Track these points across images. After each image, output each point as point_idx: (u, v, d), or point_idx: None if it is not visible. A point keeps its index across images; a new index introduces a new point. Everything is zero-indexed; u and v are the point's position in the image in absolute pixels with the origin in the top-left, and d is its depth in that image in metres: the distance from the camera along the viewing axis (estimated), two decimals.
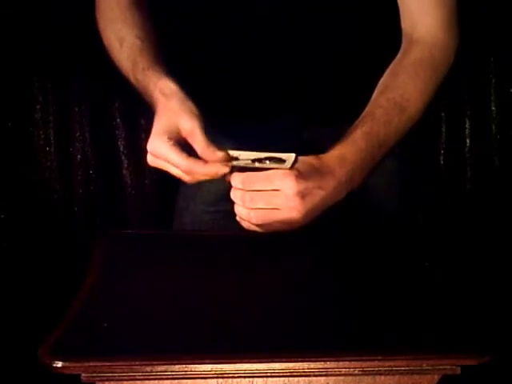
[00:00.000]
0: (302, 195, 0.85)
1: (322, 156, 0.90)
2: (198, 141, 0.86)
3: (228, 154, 0.87)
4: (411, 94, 0.98)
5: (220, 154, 0.86)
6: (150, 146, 0.87)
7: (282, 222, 0.87)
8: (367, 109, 0.97)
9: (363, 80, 1.04)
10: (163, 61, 0.98)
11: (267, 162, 0.86)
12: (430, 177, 1.59)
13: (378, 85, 1.01)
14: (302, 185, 0.85)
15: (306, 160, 0.88)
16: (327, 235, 1.00)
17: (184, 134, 0.87)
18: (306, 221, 0.87)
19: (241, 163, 0.87)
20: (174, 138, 0.86)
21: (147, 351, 0.70)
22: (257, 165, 0.86)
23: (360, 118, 0.96)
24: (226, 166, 0.87)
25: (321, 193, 0.87)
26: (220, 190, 1.17)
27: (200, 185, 1.13)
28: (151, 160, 0.88)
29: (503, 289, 1.50)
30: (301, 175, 0.85)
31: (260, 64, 1.09)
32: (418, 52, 1.01)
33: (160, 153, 0.86)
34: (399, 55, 1.03)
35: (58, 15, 1.48)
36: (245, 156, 0.88)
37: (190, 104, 0.89)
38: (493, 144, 1.57)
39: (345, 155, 0.91)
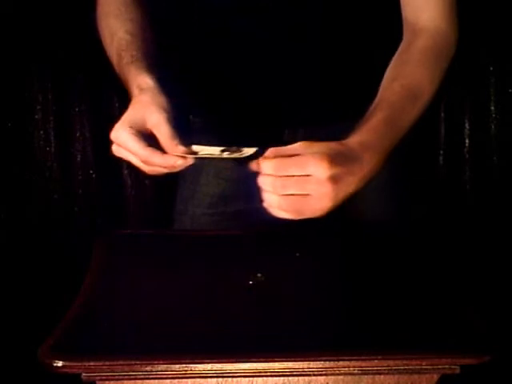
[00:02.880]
0: (334, 181, 0.84)
1: (345, 142, 0.89)
2: (162, 132, 0.86)
3: (190, 149, 0.87)
4: (422, 82, 0.99)
5: (181, 148, 0.86)
6: (112, 135, 0.87)
7: (313, 208, 0.85)
8: (381, 95, 0.98)
9: (359, 78, 1.05)
10: (151, 56, 0.98)
11: (225, 154, 0.86)
12: (429, 177, 1.60)
13: (388, 72, 1.01)
14: (334, 170, 0.83)
15: (334, 146, 0.86)
16: (327, 235, 1.00)
17: (149, 125, 0.87)
18: (334, 207, 0.86)
19: (199, 156, 0.87)
20: (136, 129, 0.87)
21: (147, 350, 0.70)
22: (225, 155, 0.86)
23: (375, 104, 0.96)
24: (184, 158, 0.86)
25: (350, 178, 0.86)
26: (215, 192, 1.17)
27: (195, 187, 1.13)
28: (115, 149, 0.89)
29: (503, 288, 1.50)
30: (333, 161, 0.84)
31: (257, 64, 1.09)
32: (424, 41, 1.01)
33: (121, 141, 0.87)
34: (404, 44, 1.03)
35: (58, 15, 1.48)
36: (207, 151, 0.88)
37: (161, 98, 0.90)
38: (492, 144, 1.58)
39: (367, 141, 0.90)
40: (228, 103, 1.14)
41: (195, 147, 0.88)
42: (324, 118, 1.11)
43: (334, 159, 0.84)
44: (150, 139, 0.87)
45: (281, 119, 1.13)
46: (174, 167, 0.87)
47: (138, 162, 0.88)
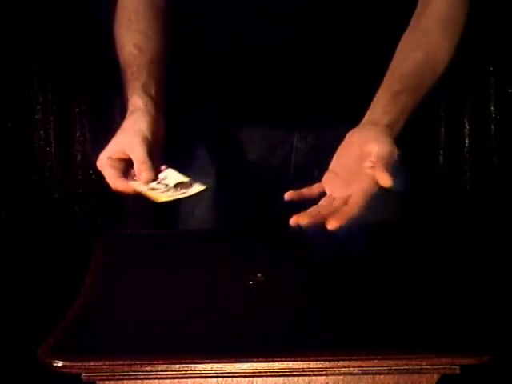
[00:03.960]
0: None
1: (388, 125, 0.93)
2: (135, 156, 0.94)
3: (156, 174, 0.94)
4: (440, 52, 1.01)
5: (148, 173, 0.93)
6: (97, 162, 0.96)
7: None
8: (406, 66, 0.99)
9: (363, 79, 1.05)
10: (152, 70, 1.02)
11: (178, 189, 0.93)
12: (429, 177, 1.59)
13: (406, 40, 1.02)
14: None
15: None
16: (327, 235, 1.00)
17: (127, 151, 0.94)
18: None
19: (155, 188, 0.94)
20: (117, 156, 0.95)
21: (147, 350, 0.70)
22: (170, 193, 0.93)
23: (403, 77, 0.98)
24: (145, 186, 0.93)
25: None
26: (225, 194, 1.17)
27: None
28: (102, 173, 0.96)
29: (503, 289, 1.50)
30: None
31: (263, 65, 1.09)
32: (442, 9, 1.02)
33: (101, 170, 0.95)
34: (420, 8, 1.03)
35: (59, 15, 1.48)
36: (168, 180, 0.95)
37: (142, 122, 0.96)
38: (492, 144, 1.57)
39: (394, 120, 0.94)
40: (237, 107, 1.14)
41: (162, 172, 0.96)
42: (333, 121, 1.11)
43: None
44: (131, 164, 0.95)
45: (290, 123, 1.13)
46: (134, 193, 0.94)
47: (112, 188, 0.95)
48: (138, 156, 0.93)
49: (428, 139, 1.59)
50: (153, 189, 0.93)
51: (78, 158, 1.54)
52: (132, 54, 1.03)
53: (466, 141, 1.58)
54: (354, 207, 0.86)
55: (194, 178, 0.94)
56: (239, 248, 0.96)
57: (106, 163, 0.94)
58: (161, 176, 0.95)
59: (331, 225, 0.82)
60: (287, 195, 0.90)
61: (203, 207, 1.17)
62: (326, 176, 0.93)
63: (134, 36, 1.05)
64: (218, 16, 1.08)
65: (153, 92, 1.00)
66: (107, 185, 0.94)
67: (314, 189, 0.92)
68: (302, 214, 0.84)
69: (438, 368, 0.71)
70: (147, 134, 0.95)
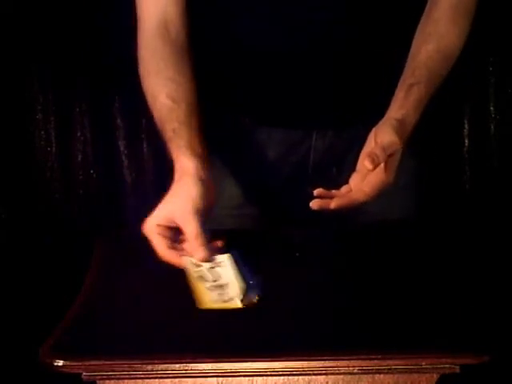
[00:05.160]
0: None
1: (402, 120, 0.95)
2: (188, 231, 0.88)
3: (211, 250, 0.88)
4: (453, 41, 1.03)
5: (202, 253, 0.87)
6: (144, 228, 0.90)
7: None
8: (418, 59, 1.01)
9: (377, 79, 1.06)
10: (193, 125, 0.97)
11: (224, 291, 0.83)
12: (429, 177, 1.60)
13: (420, 31, 1.03)
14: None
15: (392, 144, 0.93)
16: (327, 235, 1.00)
17: (178, 222, 0.89)
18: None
19: (203, 277, 0.86)
20: (166, 223, 0.89)
21: (148, 350, 0.70)
22: (214, 294, 0.83)
23: (415, 70, 1.00)
24: (194, 267, 0.87)
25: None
26: (243, 193, 1.16)
27: (221, 189, 1.10)
28: (147, 235, 0.91)
29: (503, 288, 1.51)
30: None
31: (280, 67, 1.08)
32: None
33: (149, 235, 0.89)
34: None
35: (59, 15, 1.48)
36: (221, 272, 0.87)
37: (195, 191, 0.90)
38: (492, 144, 1.58)
39: (408, 116, 0.97)
40: (256, 108, 1.13)
41: (220, 257, 0.89)
42: (350, 120, 1.12)
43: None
44: (179, 231, 0.89)
45: (308, 122, 1.13)
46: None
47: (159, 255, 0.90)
48: (192, 230, 0.87)
49: (428, 139, 1.59)
50: (201, 277, 0.85)
51: (79, 158, 1.55)
52: (166, 107, 0.98)
53: (466, 141, 1.58)
54: (357, 192, 0.93)
55: (248, 285, 0.84)
56: (240, 247, 0.96)
57: (155, 231, 0.88)
58: (217, 259, 0.88)
59: (332, 205, 0.90)
60: (317, 191, 0.91)
61: (220, 207, 1.16)
62: (353, 177, 0.95)
63: (166, 85, 0.99)
64: (238, 23, 1.07)
65: (200, 150, 0.95)
66: (153, 251, 0.88)
67: (343, 189, 0.95)
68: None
69: (438, 368, 0.71)
70: (200, 203, 0.89)
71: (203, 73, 1.06)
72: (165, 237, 0.88)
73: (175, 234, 0.90)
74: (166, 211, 0.90)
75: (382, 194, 0.97)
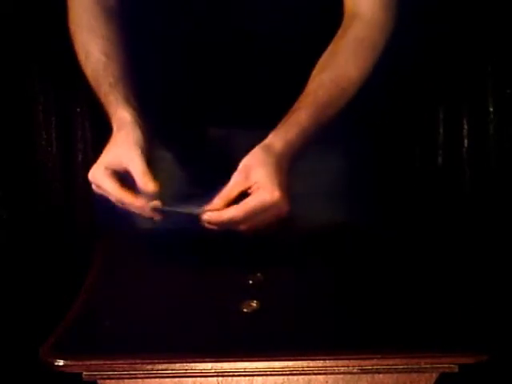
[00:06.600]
0: (284, 193, 0.88)
1: (269, 145, 0.92)
2: (135, 169, 0.89)
3: (160, 185, 0.89)
4: (351, 73, 1.00)
5: (151, 184, 0.88)
6: (90, 176, 0.90)
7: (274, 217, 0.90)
8: (309, 87, 0.98)
9: (289, 87, 1.04)
10: (127, 80, 0.99)
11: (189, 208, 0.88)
12: (427, 177, 1.60)
13: (319, 61, 1.01)
14: (281, 187, 0.88)
15: (270, 168, 0.89)
16: (327, 235, 1.00)
17: (124, 164, 0.90)
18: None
19: (165, 209, 0.88)
20: (112, 168, 0.90)
21: (148, 350, 0.70)
22: (178, 209, 0.88)
23: (302, 97, 0.97)
24: (153, 206, 0.88)
25: (287, 179, 0.91)
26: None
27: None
28: (94, 188, 0.92)
29: (502, 288, 1.51)
30: (279, 183, 0.88)
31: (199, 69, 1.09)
32: (359, 30, 1.02)
33: (98, 182, 0.90)
34: (340, 32, 1.03)
35: (59, 15, 1.48)
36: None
37: (136, 134, 0.92)
38: (490, 144, 1.58)
39: (291, 140, 0.93)
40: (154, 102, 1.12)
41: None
42: (247, 122, 1.11)
43: (279, 179, 0.88)
44: (127, 178, 0.90)
45: (203, 118, 1.13)
46: (144, 212, 0.89)
47: (115, 200, 0.90)
48: (139, 168, 0.89)
49: (427, 140, 1.59)
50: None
51: (79, 159, 1.55)
52: (101, 62, 1.00)
53: (465, 141, 1.58)
54: (229, 211, 0.88)
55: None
56: (239, 248, 0.96)
57: (103, 174, 0.89)
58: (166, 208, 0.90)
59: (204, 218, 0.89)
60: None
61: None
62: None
63: (99, 42, 1.01)
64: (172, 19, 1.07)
65: (135, 105, 0.97)
66: (106, 197, 0.89)
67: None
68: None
69: (437, 367, 0.71)
70: (142, 144, 0.91)
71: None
72: (115, 179, 0.89)
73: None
74: (112, 155, 0.91)
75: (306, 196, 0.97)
